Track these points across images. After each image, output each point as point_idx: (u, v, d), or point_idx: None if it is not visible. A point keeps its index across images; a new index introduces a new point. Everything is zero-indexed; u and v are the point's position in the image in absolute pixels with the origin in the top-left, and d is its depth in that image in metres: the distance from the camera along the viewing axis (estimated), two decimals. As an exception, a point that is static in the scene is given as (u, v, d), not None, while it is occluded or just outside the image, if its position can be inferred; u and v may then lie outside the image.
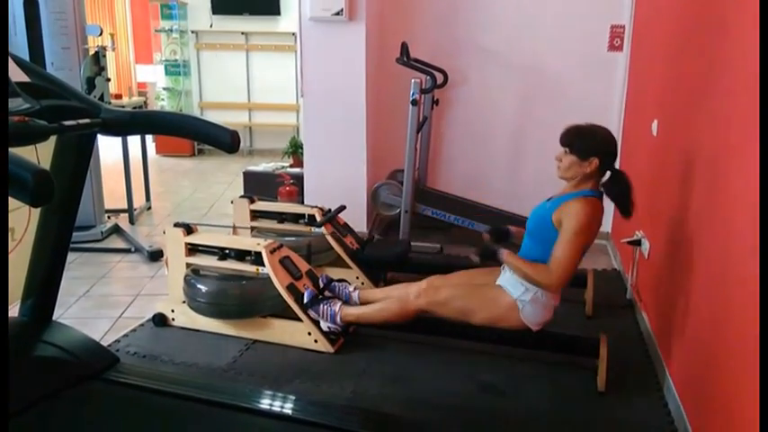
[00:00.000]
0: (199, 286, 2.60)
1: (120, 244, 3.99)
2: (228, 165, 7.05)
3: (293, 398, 1.85)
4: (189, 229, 2.76)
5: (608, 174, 2.22)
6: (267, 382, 2.29)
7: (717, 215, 1.91)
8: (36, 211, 1.87)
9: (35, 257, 1.91)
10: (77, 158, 1.86)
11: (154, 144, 7.56)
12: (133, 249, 3.85)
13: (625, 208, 2.21)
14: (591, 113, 4.14)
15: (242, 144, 8.70)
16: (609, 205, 4.11)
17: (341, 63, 3.86)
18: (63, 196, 1.88)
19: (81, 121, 1.65)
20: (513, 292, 2.24)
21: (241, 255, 2.65)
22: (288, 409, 1.79)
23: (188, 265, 2.73)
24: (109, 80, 3.90)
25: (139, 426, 1.67)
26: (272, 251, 2.60)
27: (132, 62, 9.70)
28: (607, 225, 4.20)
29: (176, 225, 2.76)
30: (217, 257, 2.69)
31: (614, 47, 4.08)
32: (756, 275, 1.41)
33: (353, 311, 2.47)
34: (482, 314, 2.29)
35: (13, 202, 1.76)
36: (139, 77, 9.18)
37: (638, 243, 2.99)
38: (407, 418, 1.89)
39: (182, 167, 7.08)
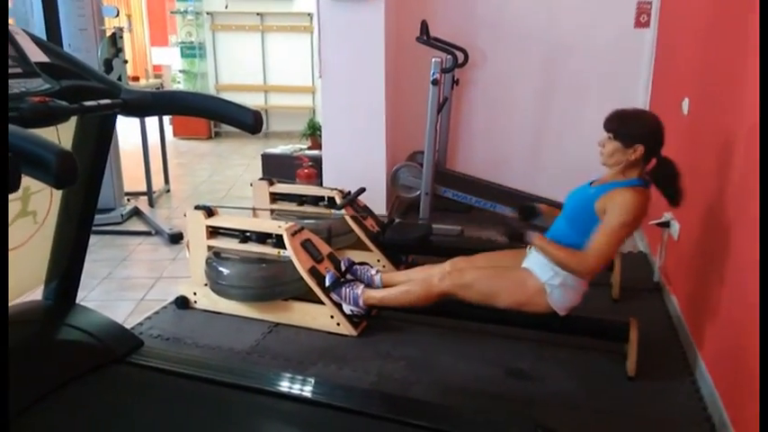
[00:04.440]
0: (220, 269, 2.58)
1: (140, 227, 3.99)
2: (245, 147, 7.03)
3: (317, 381, 1.82)
4: (210, 212, 2.74)
5: (654, 161, 2.11)
6: (290, 366, 2.27)
7: (752, 195, 1.83)
8: (57, 194, 1.85)
9: (57, 240, 1.89)
10: (98, 140, 1.83)
11: (171, 127, 7.56)
12: (153, 232, 3.85)
13: (673, 197, 2.09)
14: (616, 92, 4.07)
15: (258, 126, 8.58)
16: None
17: (359, 42, 3.78)
18: (85, 178, 1.86)
19: (102, 102, 1.62)
20: (542, 276, 2.18)
21: (262, 237, 2.63)
22: (311, 393, 1.76)
23: (209, 247, 2.71)
24: (126, 62, 3.87)
25: (164, 409, 1.65)
26: (294, 234, 2.57)
27: (148, 44, 9.68)
28: (632, 206, 4.11)
29: (197, 208, 2.74)
30: (238, 240, 2.67)
31: (641, 23, 3.95)
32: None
33: (376, 294, 2.44)
34: (508, 298, 2.23)
35: (35, 185, 1.75)
36: (155, 60, 9.17)
37: (666, 225, 2.91)
38: (434, 404, 1.86)
39: (199, 150, 7.07)
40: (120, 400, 1.67)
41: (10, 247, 1.71)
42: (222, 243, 2.70)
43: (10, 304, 1.84)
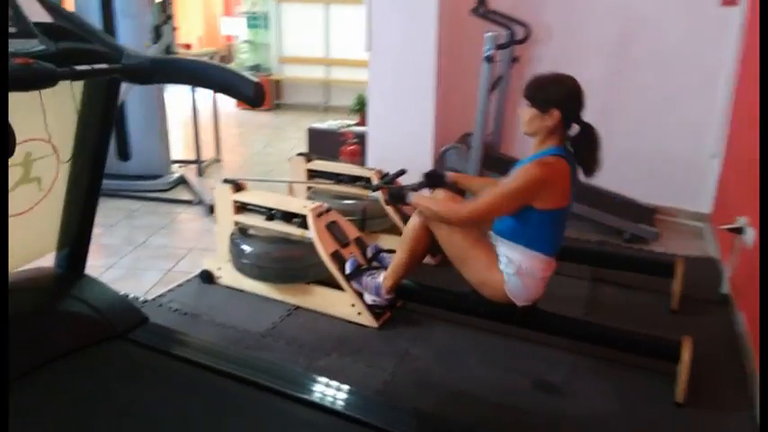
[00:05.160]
0: (242, 246, 2.49)
1: (185, 195, 3.99)
2: (303, 120, 6.97)
3: (317, 380, 1.68)
4: (238, 186, 2.64)
5: (577, 128, 2.00)
6: (303, 353, 2.16)
7: None
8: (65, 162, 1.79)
9: (66, 208, 1.85)
10: (104, 106, 1.76)
11: (233, 97, 7.61)
12: (196, 201, 3.84)
13: (587, 166, 1.99)
14: (696, 78, 3.65)
15: (318, 100, 8.56)
16: (706, 183, 3.64)
17: (411, 14, 3.54)
18: (92, 146, 1.79)
19: (97, 67, 1.52)
20: (500, 263, 2.04)
21: (287, 216, 2.51)
22: (310, 392, 1.62)
23: (236, 223, 2.63)
24: (176, 29, 3.83)
25: (152, 391, 1.57)
26: (319, 215, 2.44)
27: (219, 14, 9.78)
28: (706, 205, 3.71)
29: (225, 181, 2.65)
30: (264, 217, 2.56)
31: (728, 1, 3.49)
32: None
33: (388, 271, 2.28)
34: (474, 272, 2.10)
35: (36, 151, 1.69)
36: (226, 30, 9.24)
37: (739, 231, 2.55)
38: (447, 420, 1.66)
39: (258, 121, 7.09)
40: (109, 378, 1.61)
41: (12, 212, 1.66)
42: (249, 219, 2.61)
43: (22, 269, 1.83)
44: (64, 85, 1.67)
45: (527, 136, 2.05)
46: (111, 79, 1.73)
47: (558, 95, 1.94)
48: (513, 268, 2.01)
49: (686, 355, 1.94)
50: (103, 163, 1.82)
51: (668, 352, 1.99)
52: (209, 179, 4.52)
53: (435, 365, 2.12)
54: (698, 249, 3.33)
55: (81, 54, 1.52)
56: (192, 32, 9.07)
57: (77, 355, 1.66)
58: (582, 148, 1.99)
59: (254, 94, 1.45)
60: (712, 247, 3.32)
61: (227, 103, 6.71)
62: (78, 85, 1.74)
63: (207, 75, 1.52)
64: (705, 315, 2.56)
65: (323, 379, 1.70)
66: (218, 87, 1.52)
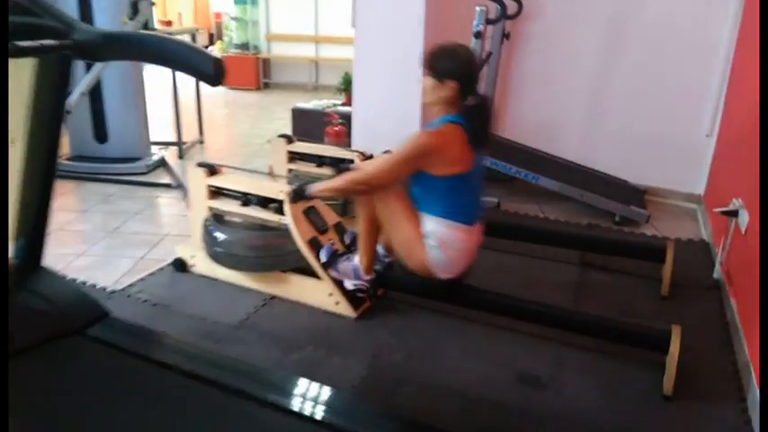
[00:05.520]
0: (215, 234, 2.38)
1: (164, 178, 3.87)
2: (291, 100, 6.77)
3: (291, 381, 1.59)
4: (212, 170, 2.52)
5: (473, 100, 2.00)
6: (277, 346, 2.06)
7: None
8: (18, 148, 1.68)
9: (21, 195, 1.73)
10: (56, 85, 1.62)
11: (220, 76, 7.44)
12: (175, 185, 3.72)
13: (478, 137, 1.97)
14: (691, 56, 3.52)
15: (308, 79, 8.41)
16: (699, 163, 3.55)
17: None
18: (45, 128, 1.66)
19: (44, 43, 1.39)
20: (424, 237, 2.00)
21: (264, 202, 2.39)
22: (281, 395, 1.52)
23: (210, 208, 2.52)
24: (153, 4, 3.67)
25: (109, 390, 1.48)
26: (296, 200, 2.32)
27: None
28: (700, 187, 3.62)
29: (199, 165, 2.53)
30: (240, 203, 2.45)
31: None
32: None
33: (359, 252, 2.20)
34: (399, 245, 2.07)
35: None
36: (215, 7, 9.01)
37: (734, 214, 2.46)
38: (422, 425, 1.57)
39: (245, 101, 6.94)
40: (64, 377, 1.51)
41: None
42: (224, 205, 2.49)
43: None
44: (11, 64, 1.55)
45: (427, 105, 2.03)
46: (62, 56, 1.60)
47: (454, 67, 1.93)
48: (434, 240, 1.98)
49: (675, 345, 1.86)
50: (57, 146, 1.70)
51: (656, 342, 1.91)
52: (189, 162, 4.38)
53: (415, 358, 2.03)
54: (690, 231, 3.25)
55: (27, 29, 1.40)
56: (183, 8, 8.84)
57: (31, 353, 1.56)
58: (474, 119, 1.97)
59: (214, 71, 1.32)
60: (705, 231, 3.24)
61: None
62: (27, 64, 1.62)
63: (162, 51, 1.39)
64: (696, 302, 2.48)
65: (294, 378, 1.61)
66: (175, 64, 1.40)
